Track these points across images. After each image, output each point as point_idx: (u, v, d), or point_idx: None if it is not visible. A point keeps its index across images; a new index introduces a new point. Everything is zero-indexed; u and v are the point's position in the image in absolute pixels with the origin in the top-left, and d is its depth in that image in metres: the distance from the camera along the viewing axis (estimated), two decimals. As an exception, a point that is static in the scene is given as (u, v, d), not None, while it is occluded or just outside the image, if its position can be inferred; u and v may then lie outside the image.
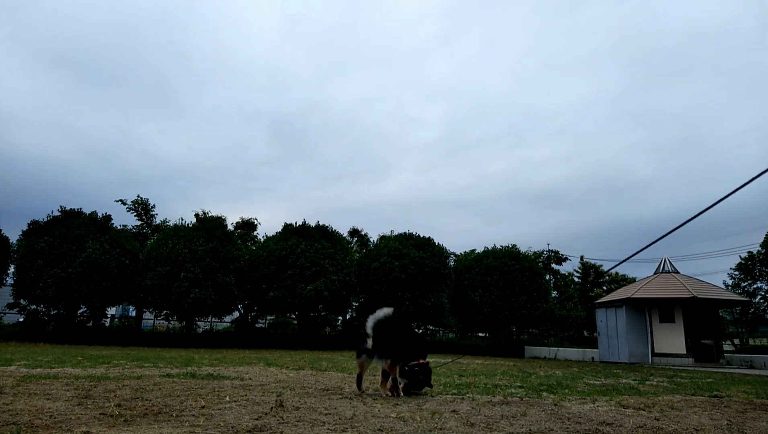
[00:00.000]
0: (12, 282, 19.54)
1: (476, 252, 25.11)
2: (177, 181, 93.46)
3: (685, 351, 16.37)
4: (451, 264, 23.51)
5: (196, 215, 27.37)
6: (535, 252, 31.12)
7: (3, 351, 10.44)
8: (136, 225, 24.48)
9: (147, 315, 23.74)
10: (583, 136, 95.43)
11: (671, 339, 16.74)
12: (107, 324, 23.65)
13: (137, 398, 3.82)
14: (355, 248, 28.13)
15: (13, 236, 20.07)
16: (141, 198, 24.38)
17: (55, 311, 19.75)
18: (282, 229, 21.47)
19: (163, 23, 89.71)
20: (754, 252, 25.68)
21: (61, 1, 78.79)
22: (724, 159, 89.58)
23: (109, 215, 20.85)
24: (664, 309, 17.06)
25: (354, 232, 30.56)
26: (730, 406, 4.54)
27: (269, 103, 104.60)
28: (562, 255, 36.78)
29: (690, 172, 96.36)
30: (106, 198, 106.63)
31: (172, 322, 23.97)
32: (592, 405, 4.28)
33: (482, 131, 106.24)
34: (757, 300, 25.63)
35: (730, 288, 26.04)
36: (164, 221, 24.69)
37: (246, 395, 4.21)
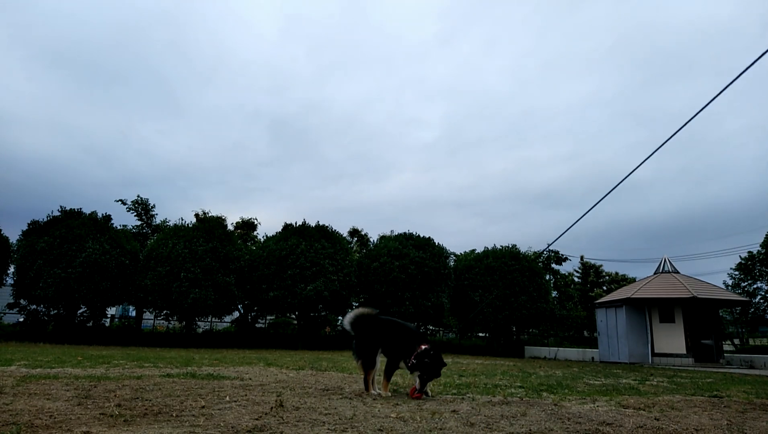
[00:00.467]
0: (12, 282, 19.53)
1: (476, 252, 25.10)
2: (177, 181, 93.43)
3: (685, 351, 16.36)
4: (451, 264, 23.51)
5: (196, 215, 27.37)
6: (535, 252, 31.11)
7: (3, 351, 10.44)
8: (136, 226, 24.47)
9: (147, 315, 23.74)
10: (583, 136, 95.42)
11: (671, 339, 16.74)
12: (107, 324, 23.65)
13: (137, 398, 3.82)
14: (355, 248, 28.13)
15: (13, 236, 20.11)
16: (141, 198, 24.40)
17: (55, 311, 19.75)
18: (282, 229, 21.47)
19: (163, 23, 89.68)
20: (754, 252, 25.67)
21: (61, 1, 78.77)
22: (724, 159, 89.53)
23: (109, 215, 20.86)
24: (664, 309, 17.06)
25: (354, 232, 30.56)
26: (730, 406, 4.54)
27: (269, 103, 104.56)
28: (562, 255, 36.74)
29: (690, 172, 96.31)
30: (106, 198, 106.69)
31: (172, 322, 23.96)
32: (592, 405, 4.28)
33: (482, 131, 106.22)
34: (757, 300, 25.61)
35: (730, 288, 26.03)
36: (164, 221, 24.69)
37: (246, 395, 4.21)
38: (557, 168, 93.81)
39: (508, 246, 23.46)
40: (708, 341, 16.80)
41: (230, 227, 26.70)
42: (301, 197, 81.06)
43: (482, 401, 4.35)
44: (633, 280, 28.54)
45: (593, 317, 22.72)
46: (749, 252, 25.99)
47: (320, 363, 9.59)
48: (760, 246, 25.23)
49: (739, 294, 24.89)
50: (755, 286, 25.77)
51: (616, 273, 35.75)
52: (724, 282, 27.09)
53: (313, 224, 21.47)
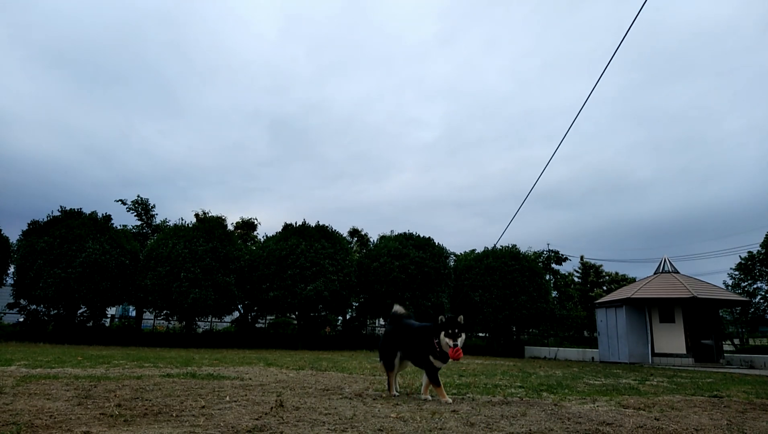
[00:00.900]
0: (12, 282, 19.53)
1: (476, 252, 25.10)
2: (177, 181, 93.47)
3: (685, 351, 16.36)
4: (451, 264, 23.51)
5: (196, 215, 27.37)
6: (535, 253, 31.11)
7: (3, 351, 10.44)
8: (136, 226, 24.48)
9: (147, 315, 23.73)
10: (583, 136, 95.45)
11: (671, 339, 16.73)
12: (107, 324, 23.64)
13: (137, 398, 3.82)
14: (355, 248, 28.12)
15: (13, 236, 20.11)
16: (141, 198, 24.40)
17: (55, 311, 19.74)
18: (282, 229, 21.46)
19: (163, 23, 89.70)
20: (754, 252, 25.66)
21: (61, 1, 78.78)
22: (723, 159, 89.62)
23: (109, 215, 20.86)
24: (664, 309, 17.05)
25: (354, 232, 30.54)
26: (730, 406, 4.54)
27: (269, 103, 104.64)
28: (562, 255, 36.75)
29: (690, 172, 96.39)
30: (106, 198, 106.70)
31: (172, 322, 23.95)
32: (592, 405, 4.28)
33: (482, 131, 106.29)
34: (757, 300, 25.60)
35: (730, 288, 26.02)
36: (164, 221, 24.69)
37: (246, 395, 4.21)
38: (557, 168, 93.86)
39: (508, 246, 23.46)
40: (708, 341, 16.79)
41: (230, 227, 26.70)
42: (301, 197, 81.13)
43: (482, 401, 4.34)
44: (633, 280, 28.54)
45: (593, 317, 22.72)
46: (749, 252, 25.99)
47: (320, 363, 9.59)
48: (760, 246, 25.23)
49: (739, 294, 24.88)
50: (755, 286, 25.77)
51: (616, 273, 35.75)
52: (724, 282, 27.09)
53: (313, 224, 21.47)
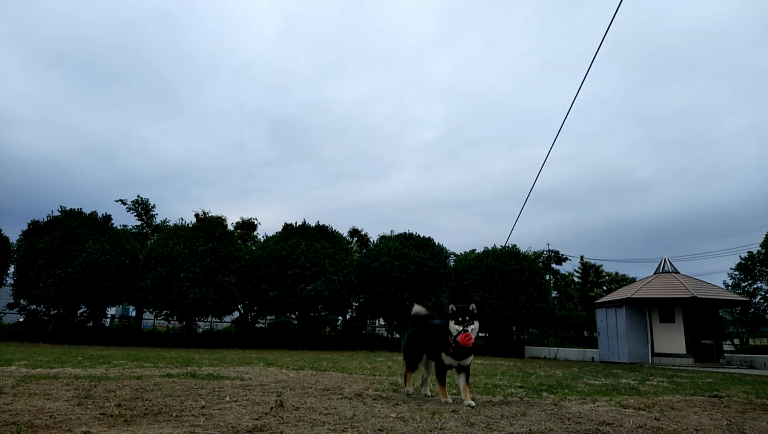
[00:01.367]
0: (12, 282, 19.52)
1: (476, 252, 25.09)
2: (177, 181, 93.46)
3: (685, 351, 16.36)
4: (451, 264, 23.50)
5: (196, 215, 27.37)
6: (535, 252, 31.11)
7: (3, 351, 10.44)
8: (136, 226, 24.47)
9: (147, 315, 23.73)
10: (583, 136, 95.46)
11: (671, 339, 16.73)
12: (107, 324, 23.64)
13: (137, 398, 3.82)
14: (355, 248, 28.12)
15: (13, 236, 20.09)
16: (141, 198, 24.40)
17: (55, 311, 19.74)
18: (282, 229, 21.46)
19: (163, 23, 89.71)
20: (754, 252, 25.67)
21: (60, 1, 78.79)
22: (723, 159, 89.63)
23: (109, 215, 20.86)
24: (664, 309, 17.05)
25: (354, 232, 30.54)
26: (730, 406, 4.54)
27: (269, 103, 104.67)
28: (562, 255, 36.75)
29: (690, 172, 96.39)
30: (106, 198, 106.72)
31: (172, 322, 23.95)
32: (592, 405, 4.28)
33: (482, 131, 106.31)
34: (757, 300, 25.62)
35: (730, 288, 26.03)
36: (164, 221, 24.69)
37: (246, 395, 4.21)
38: (557, 168, 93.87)
39: (508, 246, 23.45)
40: (708, 341, 16.79)
41: (230, 227, 26.70)
42: (301, 197, 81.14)
43: (482, 401, 4.34)
44: (633, 280, 28.53)
45: (593, 317, 22.72)
46: (749, 252, 26.01)
47: (320, 363, 9.58)
48: (760, 246, 25.24)
49: (739, 294, 24.89)
50: (755, 286, 25.79)
51: (616, 273, 35.76)
52: (724, 282, 27.12)
53: (313, 224, 21.47)
